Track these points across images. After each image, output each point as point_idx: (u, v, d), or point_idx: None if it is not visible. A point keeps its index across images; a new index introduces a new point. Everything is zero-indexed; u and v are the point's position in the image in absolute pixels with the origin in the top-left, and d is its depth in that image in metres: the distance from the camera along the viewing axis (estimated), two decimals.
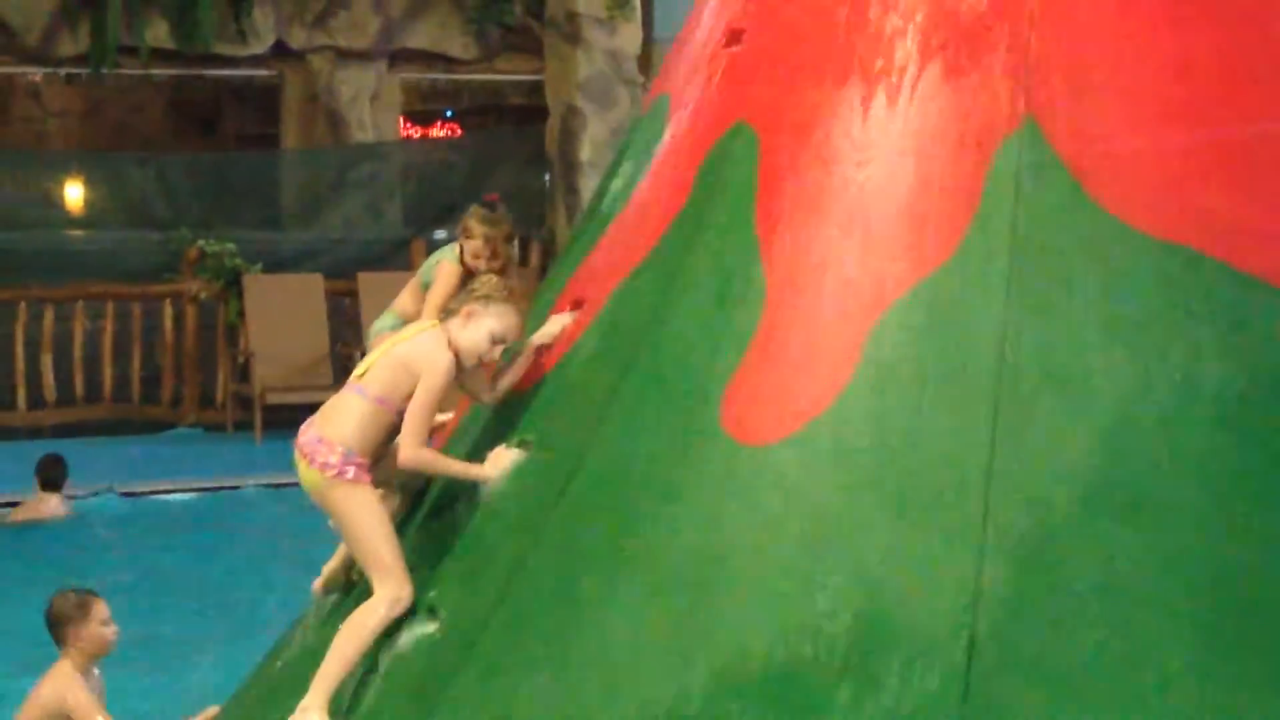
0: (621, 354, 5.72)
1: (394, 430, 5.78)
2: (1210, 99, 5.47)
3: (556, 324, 5.99)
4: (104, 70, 16.90)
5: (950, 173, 5.42)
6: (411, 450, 5.71)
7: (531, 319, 6.26)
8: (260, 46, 17.45)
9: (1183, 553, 4.96)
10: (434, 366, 5.73)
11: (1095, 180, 5.34)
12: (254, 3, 17.06)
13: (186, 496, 12.72)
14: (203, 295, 15.44)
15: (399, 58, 17.96)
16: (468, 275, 6.50)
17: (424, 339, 5.85)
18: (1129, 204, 5.31)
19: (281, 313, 15.17)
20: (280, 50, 17.59)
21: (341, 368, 15.07)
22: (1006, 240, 5.28)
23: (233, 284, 15.36)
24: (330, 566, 6.49)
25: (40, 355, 15.21)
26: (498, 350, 5.82)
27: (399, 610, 5.63)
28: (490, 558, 5.63)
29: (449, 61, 17.93)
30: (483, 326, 5.78)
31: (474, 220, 6.62)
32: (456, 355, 5.78)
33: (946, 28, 5.56)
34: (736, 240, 5.60)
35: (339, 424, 5.73)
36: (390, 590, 5.62)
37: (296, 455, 5.76)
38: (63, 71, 17.48)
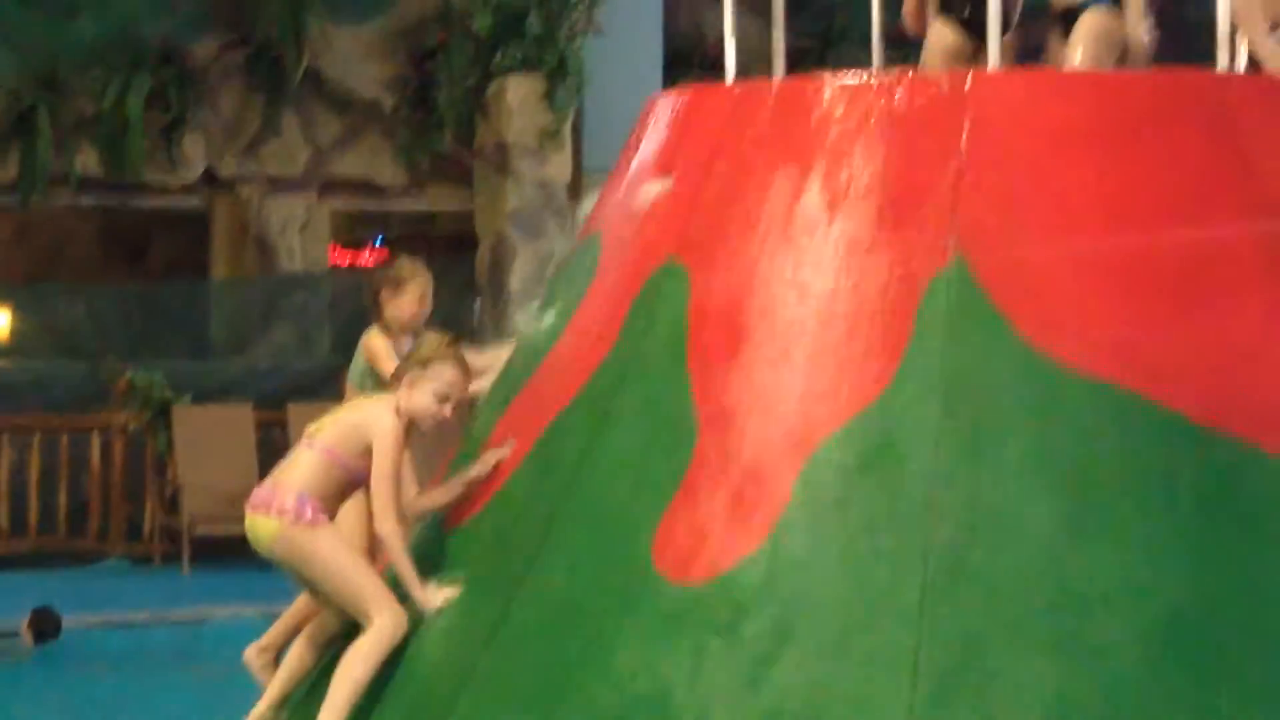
0: (553, 493, 5.72)
1: (343, 486, 5.82)
2: (1141, 237, 5.53)
3: (491, 458, 5.98)
4: (32, 198, 16.85)
5: (880, 311, 5.45)
6: (381, 524, 5.72)
7: (462, 454, 6.27)
8: (190, 175, 17.44)
9: (1116, 688, 4.98)
10: (383, 434, 5.77)
11: (1024, 319, 5.38)
12: (184, 132, 17.07)
13: (113, 629, 12.62)
14: (131, 426, 15.35)
15: (329, 186, 17.98)
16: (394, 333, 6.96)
17: (372, 407, 5.91)
18: (1059, 342, 5.35)
19: (210, 443, 15.10)
20: (210, 179, 17.59)
21: None
22: (937, 380, 5.32)
23: (161, 415, 15.28)
24: (270, 636, 6.43)
25: None
26: (448, 408, 5.87)
27: (399, 635, 5.62)
28: (424, 699, 5.61)
29: (379, 190, 17.96)
30: (426, 390, 5.84)
31: (407, 267, 6.90)
32: (411, 422, 5.84)
33: (879, 170, 5.62)
34: (667, 378, 5.61)
35: (290, 474, 5.80)
36: (385, 619, 5.62)
37: (249, 516, 5.78)
38: None
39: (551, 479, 5.75)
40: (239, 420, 15.38)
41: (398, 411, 5.84)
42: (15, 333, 17.71)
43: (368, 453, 5.80)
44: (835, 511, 5.27)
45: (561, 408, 5.92)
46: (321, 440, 5.86)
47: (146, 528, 15.36)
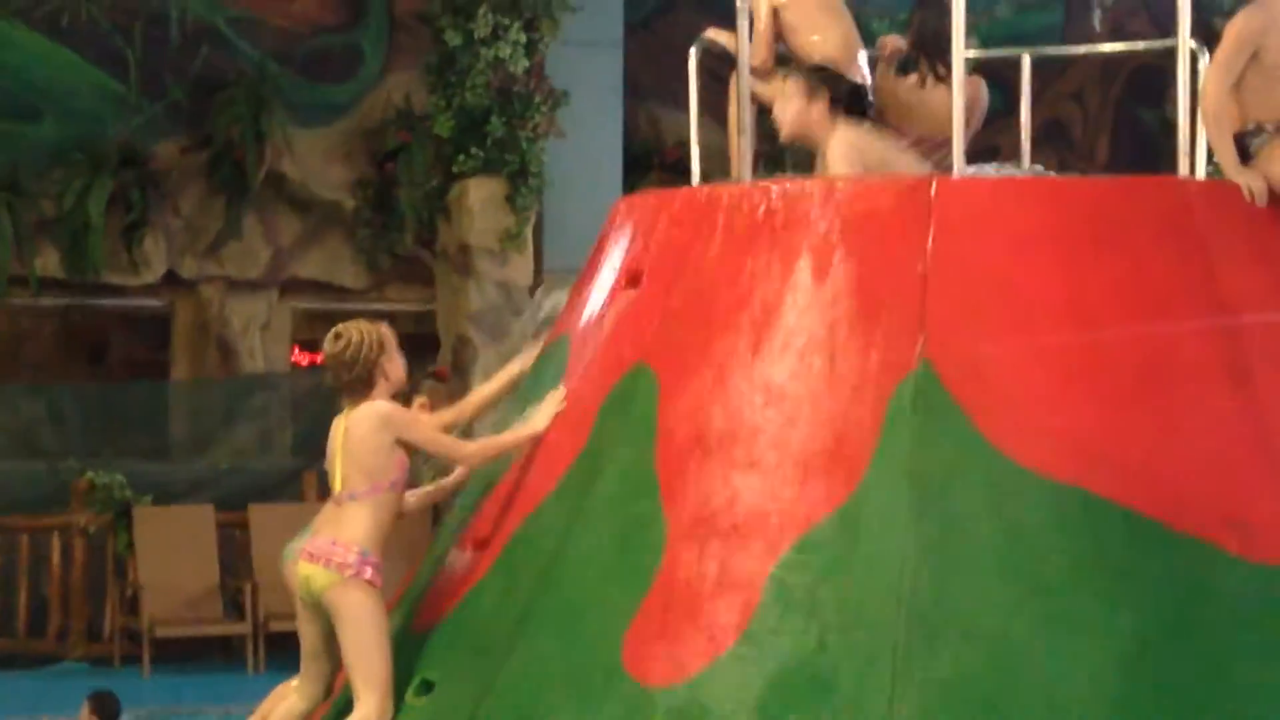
0: (523, 594, 5.73)
1: (393, 515, 5.96)
2: (1103, 339, 5.59)
3: (551, 407, 6.08)
4: None
5: (849, 414, 5.50)
6: (466, 456, 6.24)
7: (429, 559, 6.29)
8: (151, 276, 17.42)
9: None
10: (388, 417, 5.93)
11: (991, 422, 5.44)
12: (145, 233, 17.09)
13: None
14: (92, 527, 15.28)
15: (290, 287, 17.97)
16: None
17: (356, 421, 5.96)
18: (1024, 446, 5.40)
19: (171, 545, 15.03)
20: (171, 280, 17.58)
21: (231, 600, 14.93)
22: (904, 482, 5.36)
23: (122, 515, 15.20)
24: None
25: None
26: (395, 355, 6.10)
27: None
28: None
29: (340, 291, 17.94)
30: (396, 365, 6.07)
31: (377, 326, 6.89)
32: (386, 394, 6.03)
33: (845, 274, 5.67)
34: (637, 481, 5.64)
35: (350, 528, 5.88)
36: (373, 704, 5.72)
37: (304, 564, 5.87)
38: None
39: (522, 581, 5.76)
40: (200, 521, 15.32)
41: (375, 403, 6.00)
42: None
43: (391, 452, 5.92)
44: (804, 613, 5.28)
45: (531, 510, 5.95)
46: (350, 487, 5.94)
47: (106, 629, 15.26)
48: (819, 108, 6.56)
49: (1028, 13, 16.82)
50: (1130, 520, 5.34)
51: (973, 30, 6.38)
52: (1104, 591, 5.26)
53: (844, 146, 6.39)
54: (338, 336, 6.06)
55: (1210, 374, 5.59)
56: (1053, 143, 18.36)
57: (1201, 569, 5.33)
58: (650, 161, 17.32)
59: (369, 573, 5.84)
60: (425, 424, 6.15)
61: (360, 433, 5.95)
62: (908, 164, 6.54)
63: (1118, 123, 18.71)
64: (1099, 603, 5.25)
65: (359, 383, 6.01)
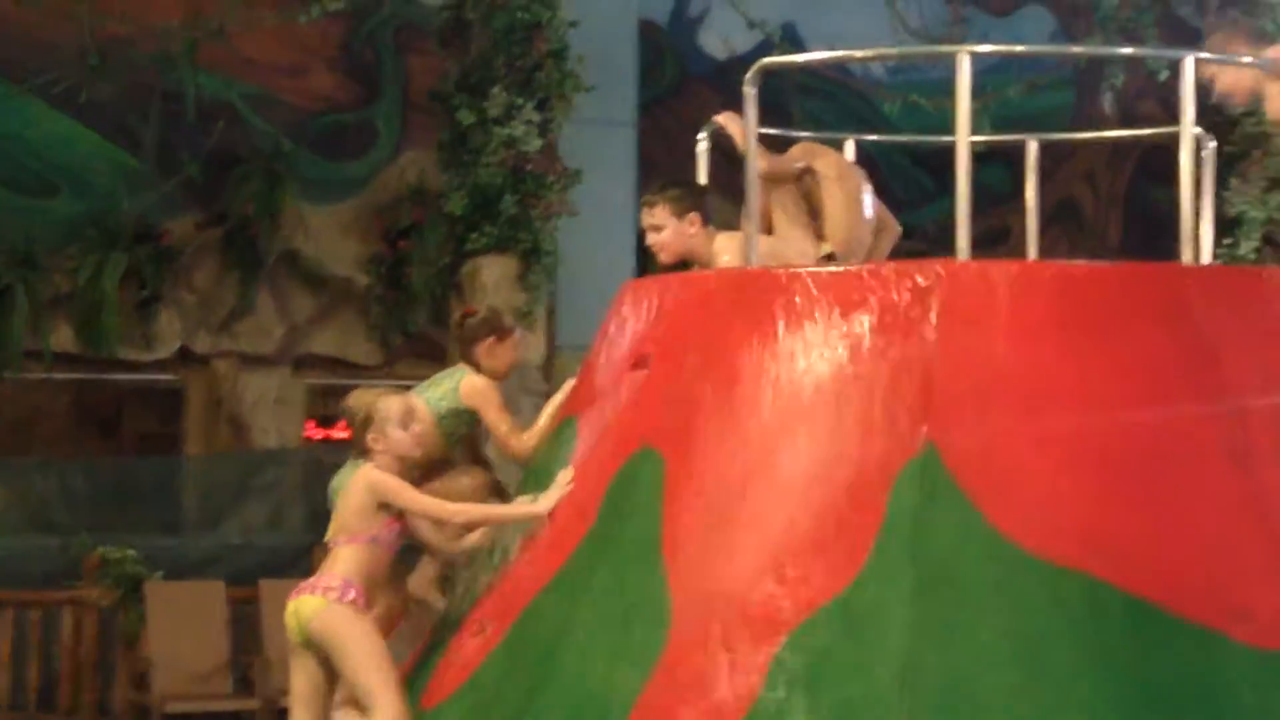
0: (528, 675, 5.75)
1: (380, 564, 6.28)
2: (1106, 423, 5.62)
3: (564, 480, 6.20)
4: (6, 374, 16.89)
5: (853, 498, 5.53)
6: (450, 515, 6.41)
7: (439, 640, 6.34)
8: (164, 351, 17.50)
9: None
10: (377, 489, 6.24)
11: (993, 506, 5.45)
12: (159, 309, 17.18)
13: None
14: (103, 603, 15.29)
15: (303, 362, 18.03)
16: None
17: (352, 481, 6.34)
18: (1028, 530, 5.42)
19: (182, 620, 15.02)
20: (184, 355, 17.66)
21: (241, 677, 14.92)
22: (907, 566, 5.38)
23: (133, 591, 15.21)
24: None
25: None
26: (415, 427, 6.36)
27: None
28: None
29: (352, 367, 18.01)
30: (380, 432, 6.31)
31: (501, 316, 7.13)
32: (402, 462, 6.32)
33: (850, 359, 5.70)
34: (642, 563, 5.67)
35: (335, 566, 6.22)
36: (390, 707, 5.96)
37: (293, 600, 6.26)
38: None
39: (526, 662, 5.79)
40: (211, 597, 15.32)
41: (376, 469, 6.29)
42: None
43: (381, 511, 6.24)
44: (808, 696, 5.30)
45: (538, 590, 5.98)
46: (336, 536, 6.30)
47: (117, 704, 15.24)
48: (692, 225, 6.70)
49: (1038, 93, 16.90)
50: (1132, 605, 5.35)
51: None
52: (1107, 677, 5.26)
53: (734, 245, 6.53)
54: (347, 404, 6.51)
55: (1212, 459, 5.61)
56: (1064, 223, 18.43)
57: (1204, 655, 5.34)
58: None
59: (352, 595, 6.13)
60: (409, 490, 6.30)
61: (349, 492, 6.32)
62: (798, 253, 6.66)
63: (1129, 203, 18.78)
64: (1102, 688, 5.24)
65: (361, 446, 6.44)
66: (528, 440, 6.89)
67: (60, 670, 15.17)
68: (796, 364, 5.77)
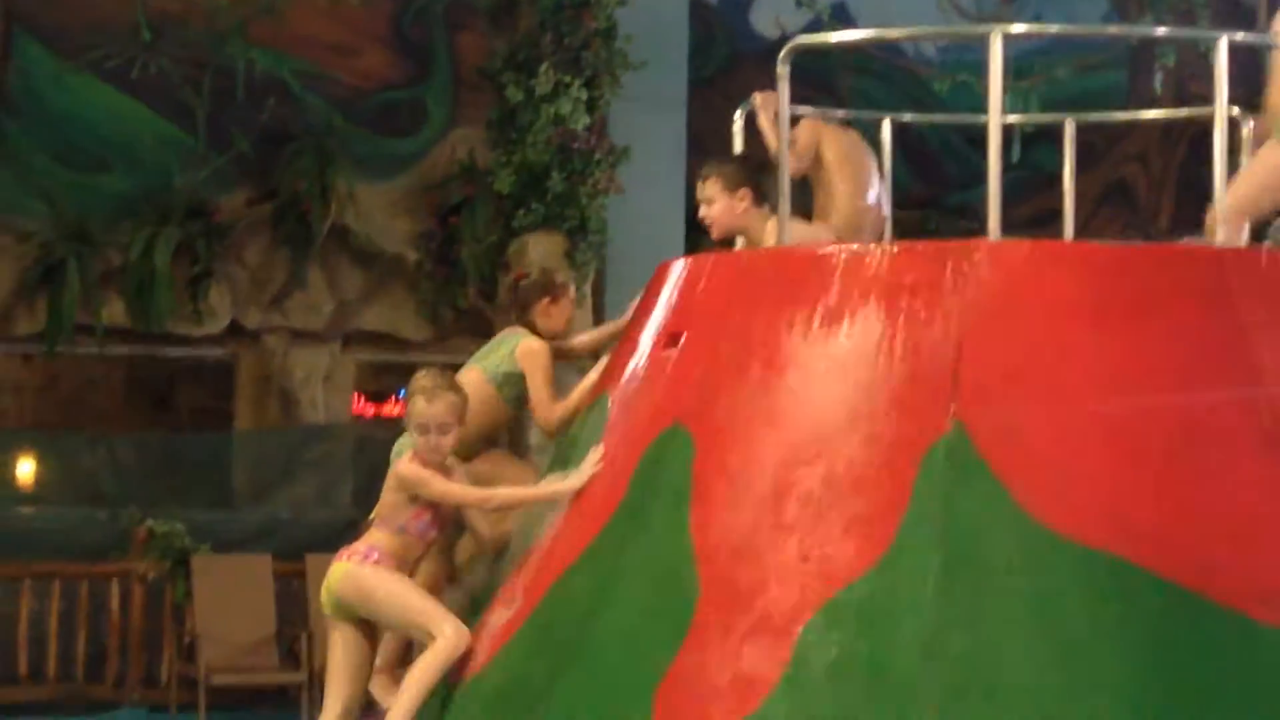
0: (555, 652, 5.77)
1: (409, 547, 6.35)
2: (1132, 404, 5.60)
3: (591, 463, 6.20)
4: (59, 348, 17.00)
5: (880, 477, 5.52)
6: (483, 501, 6.48)
7: (474, 611, 6.36)
8: (215, 326, 17.59)
9: None
10: (406, 483, 6.34)
11: (1022, 486, 5.43)
12: (210, 284, 17.26)
13: None
14: (150, 575, 15.40)
15: (352, 338, 18.11)
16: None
17: (391, 471, 6.41)
18: (1056, 511, 5.40)
19: (229, 593, 15.13)
20: (235, 330, 17.75)
21: (287, 649, 15.01)
22: (935, 546, 5.37)
23: (180, 564, 15.32)
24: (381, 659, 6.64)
25: None
26: (449, 435, 6.34)
27: (462, 646, 6.05)
28: None
29: (402, 343, 18.08)
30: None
31: (560, 273, 6.93)
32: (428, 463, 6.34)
33: (880, 337, 5.70)
34: (671, 541, 5.68)
35: (365, 539, 6.36)
36: (448, 632, 6.04)
37: (327, 577, 6.35)
38: (17, 349, 17.59)
39: (554, 638, 5.81)
40: (258, 570, 15.42)
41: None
42: (39, 480, 17.79)
43: (412, 503, 6.34)
44: (833, 674, 5.29)
45: (567, 566, 5.99)
46: (377, 519, 6.42)
47: (164, 676, 15.37)
48: (743, 200, 6.70)
49: (1089, 74, 16.83)
50: (1160, 588, 5.32)
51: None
52: (1132, 656, 5.24)
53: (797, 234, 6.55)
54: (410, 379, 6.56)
55: (1242, 442, 5.58)
56: (1116, 204, 18.36)
57: (1230, 638, 5.30)
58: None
59: (375, 557, 6.27)
60: (439, 481, 6.35)
61: (388, 481, 6.41)
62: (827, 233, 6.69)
63: (1180, 184, 18.69)
64: (1127, 666, 5.23)
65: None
66: (559, 411, 6.90)
67: (108, 642, 15.31)
68: (826, 344, 5.76)
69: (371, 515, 6.51)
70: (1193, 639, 5.30)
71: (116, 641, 15.38)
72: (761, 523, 5.58)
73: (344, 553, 6.37)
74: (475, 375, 7.09)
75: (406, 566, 6.36)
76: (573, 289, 7.26)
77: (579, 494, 6.14)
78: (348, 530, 16.09)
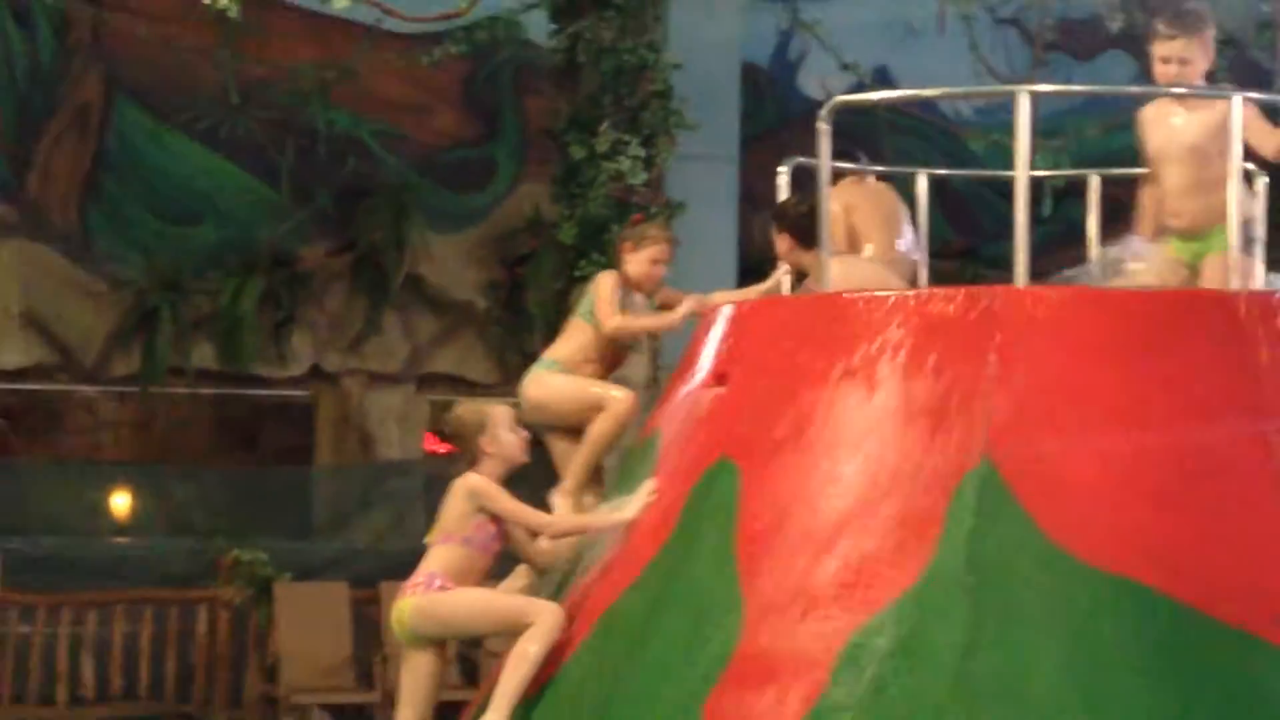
0: (611, 669, 5.79)
1: (472, 560, 6.28)
2: (1154, 441, 5.60)
3: (644, 492, 6.22)
4: (153, 389, 17.13)
5: (915, 506, 5.53)
6: (545, 526, 6.44)
7: None
8: (298, 369, 17.70)
9: None
10: (477, 495, 6.31)
11: (1047, 515, 5.44)
12: (293, 329, 17.37)
13: None
14: (236, 601, 15.46)
15: (425, 381, 18.18)
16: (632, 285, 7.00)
17: (455, 487, 6.39)
18: (1079, 539, 5.41)
19: (308, 619, 15.16)
20: (316, 372, 17.85)
21: (363, 672, 15.04)
22: (964, 572, 5.38)
23: (264, 591, 15.36)
24: None
25: (81, 654, 15.21)
26: (522, 432, 6.46)
27: (561, 622, 5.99)
28: None
29: (471, 385, 18.13)
30: (493, 435, 6.36)
31: (653, 229, 6.87)
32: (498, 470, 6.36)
33: (915, 377, 5.72)
34: (718, 567, 5.69)
35: (426, 565, 6.29)
36: (545, 614, 6.00)
37: (394, 608, 6.29)
38: (115, 389, 17.73)
39: (610, 656, 5.83)
40: (335, 598, 15.45)
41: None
42: (133, 512, 17.91)
43: (478, 514, 6.29)
44: (870, 695, 5.30)
45: (623, 588, 6.01)
46: (437, 535, 6.34)
47: (247, 695, 15.41)
48: (784, 244, 7.15)
49: (1115, 133, 16.78)
50: (1179, 611, 5.32)
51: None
52: (1151, 678, 5.24)
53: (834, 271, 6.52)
54: (443, 415, 6.61)
55: (1254, 475, 5.58)
56: None
57: (1245, 660, 5.30)
58: (764, 270, 17.41)
59: (437, 584, 6.21)
60: (507, 498, 6.35)
61: (452, 496, 6.37)
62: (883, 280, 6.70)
63: None
64: (1146, 688, 5.23)
65: (467, 455, 6.45)
66: (618, 320, 6.94)
67: (196, 663, 15.36)
68: (865, 382, 5.78)
69: (427, 539, 6.47)
70: (1211, 659, 5.30)
71: (203, 662, 15.43)
72: (802, 549, 5.59)
73: (407, 588, 6.30)
74: (577, 320, 7.21)
75: (470, 580, 6.31)
76: (657, 247, 7.17)
77: (634, 520, 6.16)
78: (419, 560, 16.23)
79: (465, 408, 6.60)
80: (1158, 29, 6.26)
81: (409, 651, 6.39)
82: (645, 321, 7.01)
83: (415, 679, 6.38)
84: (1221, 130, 6.05)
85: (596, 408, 6.71)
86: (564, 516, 6.68)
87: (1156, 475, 5.54)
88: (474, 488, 6.36)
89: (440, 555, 6.30)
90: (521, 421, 6.57)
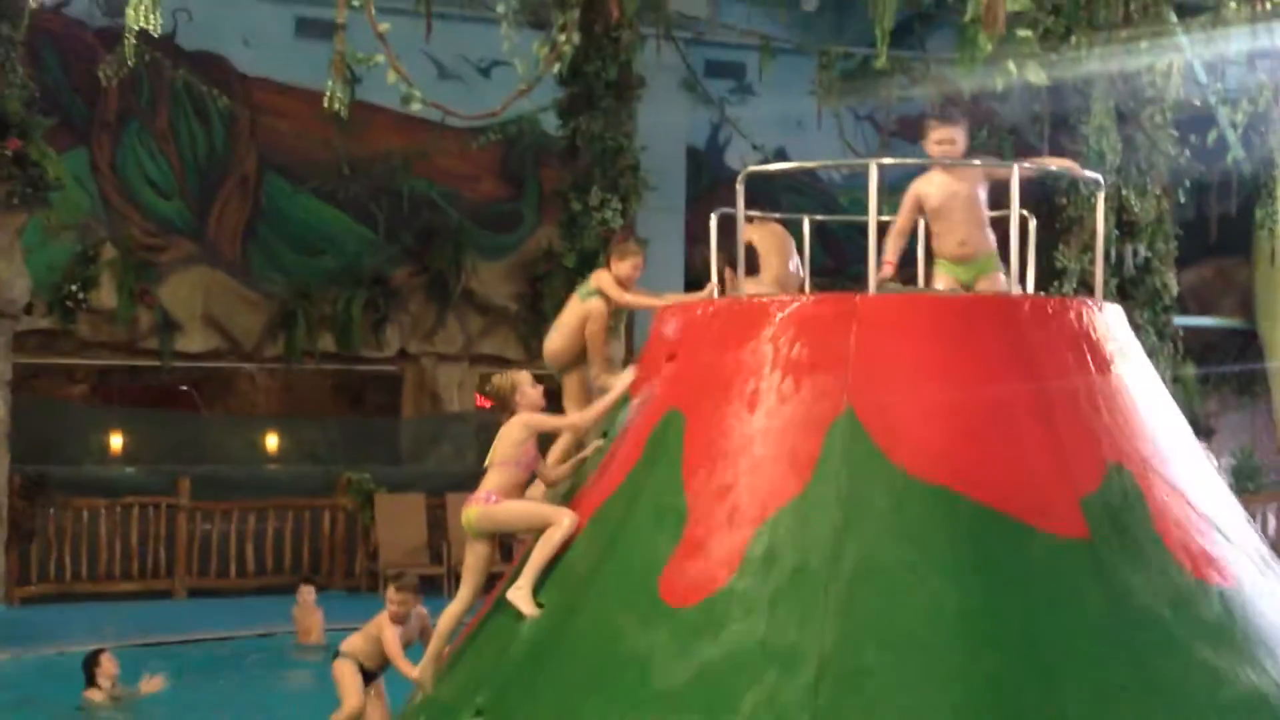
0: (598, 548, 5.75)
1: (519, 479, 6.13)
2: (961, 392, 5.53)
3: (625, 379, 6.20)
4: (293, 364, 17.04)
5: (800, 442, 5.48)
6: (582, 421, 6.28)
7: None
8: (390, 351, 17.63)
9: (964, 704, 4.93)
10: (531, 424, 6.16)
11: (890, 446, 5.38)
12: (386, 326, 17.30)
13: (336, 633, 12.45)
14: (348, 507, 15.43)
15: (476, 359, 18.13)
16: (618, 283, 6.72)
17: (510, 426, 6.19)
18: (911, 460, 5.35)
19: (398, 519, 15.15)
20: (402, 354, 17.77)
21: (435, 554, 15.02)
22: (836, 485, 5.34)
23: (368, 500, 15.35)
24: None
25: (245, 544, 15.19)
26: (537, 387, 6.27)
27: (573, 527, 5.82)
28: (517, 670, 5.62)
29: (507, 361, 18.07)
30: (522, 392, 6.25)
31: (633, 245, 6.83)
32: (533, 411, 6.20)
33: (800, 353, 5.67)
34: (669, 483, 5.65)
35: (487, 482, 6.15)
36: (563, 520, 5.84)
37: (466, 508, 6.14)
38: (267, 366, 17.64)
39: (598, 539, 5.78)
40: (415, 505, 15.44)
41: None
42: (279, 448, 17.85)
43: (527, 442, 6.14)
44: (772, 563, 5.28)
45: (605, 497, 5.95)
46: (491, 460, 6.21)
47: (357, 570, 15.39)
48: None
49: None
50: (977, 509, 5.27)
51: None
52: (960, 552, 5.20)
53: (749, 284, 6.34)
54: (486, 383, 6.29)
55: (1028, 418, 5.53)
56: None
57: (1021, 541, 5.24)
58: (701, 283, 17.33)
59: (494, 499, 6.09)
60: (552, 417, 6.24)
61: (509, 431, 6.20)
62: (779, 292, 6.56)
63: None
64: (956, 559, 5.18)
65: (504, 408, 6.31)
66: (628, 298, 6.72)
67: (322, 549, 15.34)
68: (768, 357, 5.72)
69: (486, 463, 6.28)
70: (999, 540, 5.26)
71: (327, 549, 15.41)
72: (727, 470, 5.54)
73: (471, 500, 6.18)
74: (574, 299, 7.02)
75: (516, 493, 6.17)
76: (637, 258, 6.88)
77: (613, 451, 6.10)
78: (473, 479, 16.16)
79: (500, 376, 6.45)
80: (932, 122, 6.19)
81: (471, 542, 6.27)
82: (639, 300, 6.83)
83: (475, 560, 6.25)
84: (981, 190, 6.06)
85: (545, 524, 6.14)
86: (590, 408, 6.39)
87: (963, 416, 5.48)
88: (527, 421, 6.19)
89: (495, 476, 6.16)
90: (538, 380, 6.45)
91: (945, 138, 6.11)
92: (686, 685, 5.09)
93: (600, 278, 6.96)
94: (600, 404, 6.29)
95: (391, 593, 7.28)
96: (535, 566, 5.84)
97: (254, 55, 16.77)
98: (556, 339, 6.94)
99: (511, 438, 6.19)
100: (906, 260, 6.25)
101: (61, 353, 16.36)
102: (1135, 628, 5.13)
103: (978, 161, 6.30)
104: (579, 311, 6.89)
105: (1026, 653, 5.01)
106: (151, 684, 9.71)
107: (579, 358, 6.93)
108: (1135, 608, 5.18)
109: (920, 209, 6.19)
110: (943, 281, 6.17)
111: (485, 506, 6.11)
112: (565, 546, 5.92)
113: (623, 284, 6.93)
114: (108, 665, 9.83)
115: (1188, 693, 5.03)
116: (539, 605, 5.78)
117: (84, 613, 13.49)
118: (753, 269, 6.51)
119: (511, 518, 6.12)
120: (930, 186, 6.18)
